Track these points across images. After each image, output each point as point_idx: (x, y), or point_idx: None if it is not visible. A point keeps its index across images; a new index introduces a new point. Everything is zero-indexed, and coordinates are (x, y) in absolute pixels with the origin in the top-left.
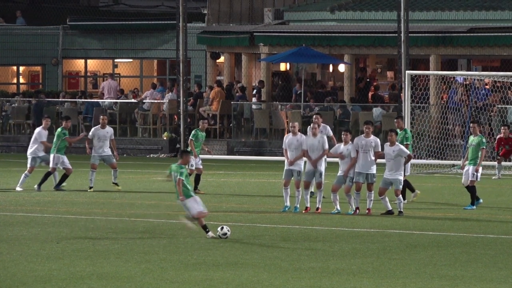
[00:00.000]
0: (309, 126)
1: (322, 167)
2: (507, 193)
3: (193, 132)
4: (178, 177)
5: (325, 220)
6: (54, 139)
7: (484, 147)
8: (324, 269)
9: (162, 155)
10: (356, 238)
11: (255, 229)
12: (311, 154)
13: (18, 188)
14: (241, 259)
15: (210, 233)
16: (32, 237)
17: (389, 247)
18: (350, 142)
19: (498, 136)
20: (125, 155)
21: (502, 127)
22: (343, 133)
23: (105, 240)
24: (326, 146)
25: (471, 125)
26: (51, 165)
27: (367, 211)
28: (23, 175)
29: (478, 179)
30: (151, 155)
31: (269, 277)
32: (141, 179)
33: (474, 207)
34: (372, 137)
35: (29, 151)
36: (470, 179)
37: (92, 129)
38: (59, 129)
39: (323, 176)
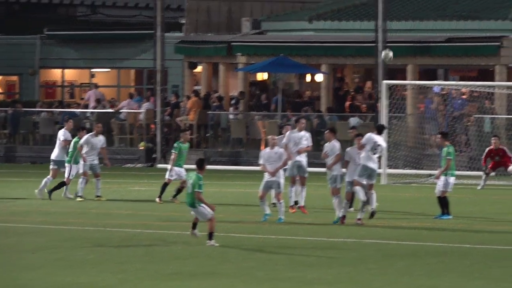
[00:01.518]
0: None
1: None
2: (483, 203)
3: (175, 145)
4: (196, 190)
5: (301, 230)
6: (71, 149)
7: (450, 157)
8: (301, 279)
9: (139, 165)
10: (333, 248)
11: (231, 239)
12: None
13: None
14: (217, 269)
15: (212, 242)
16: (9, 247)
17: (366, 257)
18: (333, 140)
19: (488, 148)
20: (102, 164)
21: (493, 138)
22: (326, 132)
23: (81, 250)
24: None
25: (437, 136)
26: (66, 175)
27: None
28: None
29: (447, 189)
30: (128, 165)
31: (245, 287)
32: (117, 189)
33: (451, 216)
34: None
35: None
36: (440, 189)
37: (86, 136)
38: (75, 139)
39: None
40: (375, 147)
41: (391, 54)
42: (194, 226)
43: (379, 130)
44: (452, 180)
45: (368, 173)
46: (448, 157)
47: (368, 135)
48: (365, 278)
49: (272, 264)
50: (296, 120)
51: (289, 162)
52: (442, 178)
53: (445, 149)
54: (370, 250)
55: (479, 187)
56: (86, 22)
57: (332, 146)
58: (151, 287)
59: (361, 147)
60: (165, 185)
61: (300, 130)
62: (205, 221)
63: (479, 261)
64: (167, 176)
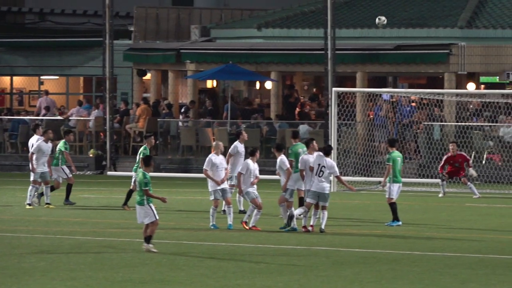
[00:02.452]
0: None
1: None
2: (433, 210)
3: (141, 150)
4: (144, 188)
5: (251, 237)
6: (56, 153)
7: (389, 163)
8: (250, 286)
9: (88, 172)
10: (282, 255)
11: (181, 246)
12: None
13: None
14: (167, 276)
15: (150, 246)
16: None
17: (315, 264)
18: (280, 156)
19: (446, 156)
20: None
21: (450, 144)
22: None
23: (31, 257)
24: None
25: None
26: (66, 176)
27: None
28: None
29: (391, 196)
30: (78, 172)
31: None
32: (71, 196)
33: (400, 222)
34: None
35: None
36: (386, 196)
37: (38, 143)
38: (61, 143)
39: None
40: (320, 169)
41: (383, 18)
42: (147, 239)
43: (326, 151)
44: (395, 187)
45: (317, 195)
46: (387, 163)
47: (302, 157)
48: (315, 285)
49: (222, 271)
50: (238, 133)
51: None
52: (387, 185)
53: (387, 155)
54: (320, 257)
55: (440, 195)
56: (35, 29)
57: (281, 162)
58: None
59: (312, 151)
60: (130, 192)
61: (242, 142)
62: (148, 223)
63: (430, 268)
64: (132, 182)
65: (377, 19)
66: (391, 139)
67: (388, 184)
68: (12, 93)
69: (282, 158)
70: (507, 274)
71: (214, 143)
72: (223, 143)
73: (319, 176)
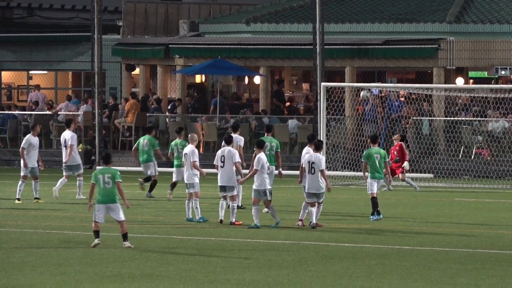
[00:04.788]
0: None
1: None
2: (422, 205)
3: (178, 142)
4: (118, 180)
5: (240, 232)
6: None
7: (364, 160)
8: (239, 281)
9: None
10: (271, 250)
11: (170, 241)
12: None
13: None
14: (156, 271)
15: (127, 243)
16: None
17: (304, 259)
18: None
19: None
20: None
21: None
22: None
23: (20, 252)
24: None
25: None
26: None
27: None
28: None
29: (371, 191)
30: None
31: None
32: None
33: (381, 216)
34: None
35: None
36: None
37: (27, 137)
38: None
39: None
40: (311, 166)
41: (368, 94)
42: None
43: (317, 146)
44: (373, 181)
45: (314, 196)
46: (363, 160)
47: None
48: (304, 280)
49: (212, 266)
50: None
51: None
52: (368, 180)
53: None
54: (309, 252)
55: (418, 189)
56: (23, 24)
57: (257, 159)
58: None
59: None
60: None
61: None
62: (117, 221)
63: (419, 263)
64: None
65: (362, 93)
66: (372, 135)
67: (369, 180)
68: (1, 88)
69: (260, 157)
70: (495, 268)
71: (189, 136)
72: (212, 138)
73: (312, 174)
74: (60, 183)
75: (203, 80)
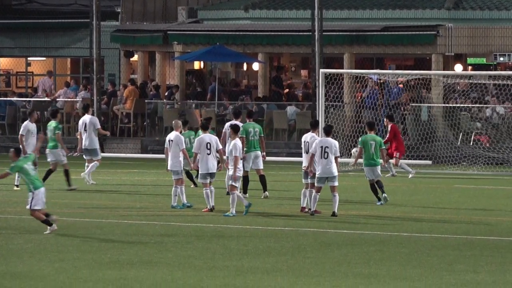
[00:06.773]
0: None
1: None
2: (421, 191)
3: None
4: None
5: (238, 218)
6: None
7: (360, 146)
8: (238, 268)
9: (76, 153)
10: (270, 237)
11: (169, 227)
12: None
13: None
14: (155, 258)
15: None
16: None
17: (303, 246)
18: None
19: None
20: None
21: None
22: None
23: (18, 239)
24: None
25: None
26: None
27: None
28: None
29: (368, 177)
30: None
31: (183, 275)
32: (54, 178)
33: (379, 203)
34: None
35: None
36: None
37: (25, 123)
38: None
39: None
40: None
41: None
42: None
43: (327, 131)
44: (368, 169)
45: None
46: (358, 146)
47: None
48: (302, 266)
49: (210, 253)
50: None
51: None
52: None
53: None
54: (308, 239)
55: (411, 176)
56: (22, 11)
57: (232, 146)
58: (89, 276)
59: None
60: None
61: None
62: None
63: (417, 249)
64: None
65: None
66: (369, 121)
67: (365, 168)
68: None
69: (235, 143)
70: (494, 255)
71: (173, 122)
72: (211, 124)
73: (325, 158)
74: (89, 169)
75: (202, 66)
